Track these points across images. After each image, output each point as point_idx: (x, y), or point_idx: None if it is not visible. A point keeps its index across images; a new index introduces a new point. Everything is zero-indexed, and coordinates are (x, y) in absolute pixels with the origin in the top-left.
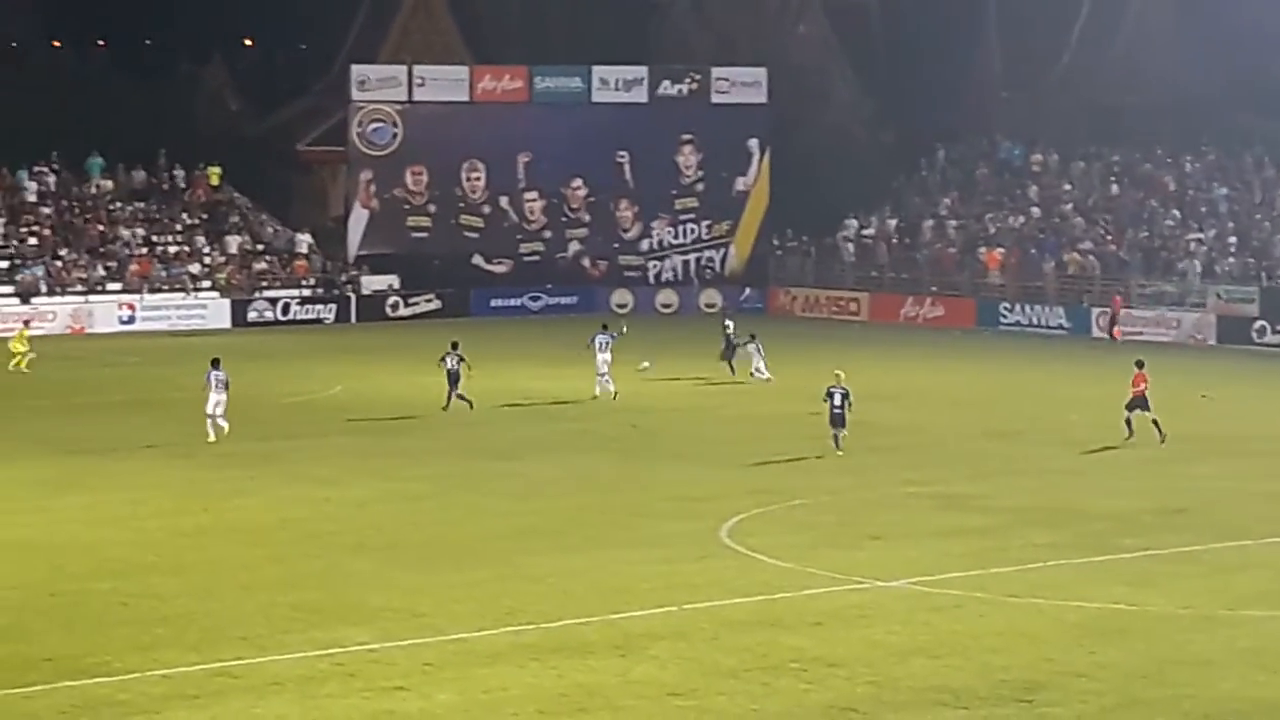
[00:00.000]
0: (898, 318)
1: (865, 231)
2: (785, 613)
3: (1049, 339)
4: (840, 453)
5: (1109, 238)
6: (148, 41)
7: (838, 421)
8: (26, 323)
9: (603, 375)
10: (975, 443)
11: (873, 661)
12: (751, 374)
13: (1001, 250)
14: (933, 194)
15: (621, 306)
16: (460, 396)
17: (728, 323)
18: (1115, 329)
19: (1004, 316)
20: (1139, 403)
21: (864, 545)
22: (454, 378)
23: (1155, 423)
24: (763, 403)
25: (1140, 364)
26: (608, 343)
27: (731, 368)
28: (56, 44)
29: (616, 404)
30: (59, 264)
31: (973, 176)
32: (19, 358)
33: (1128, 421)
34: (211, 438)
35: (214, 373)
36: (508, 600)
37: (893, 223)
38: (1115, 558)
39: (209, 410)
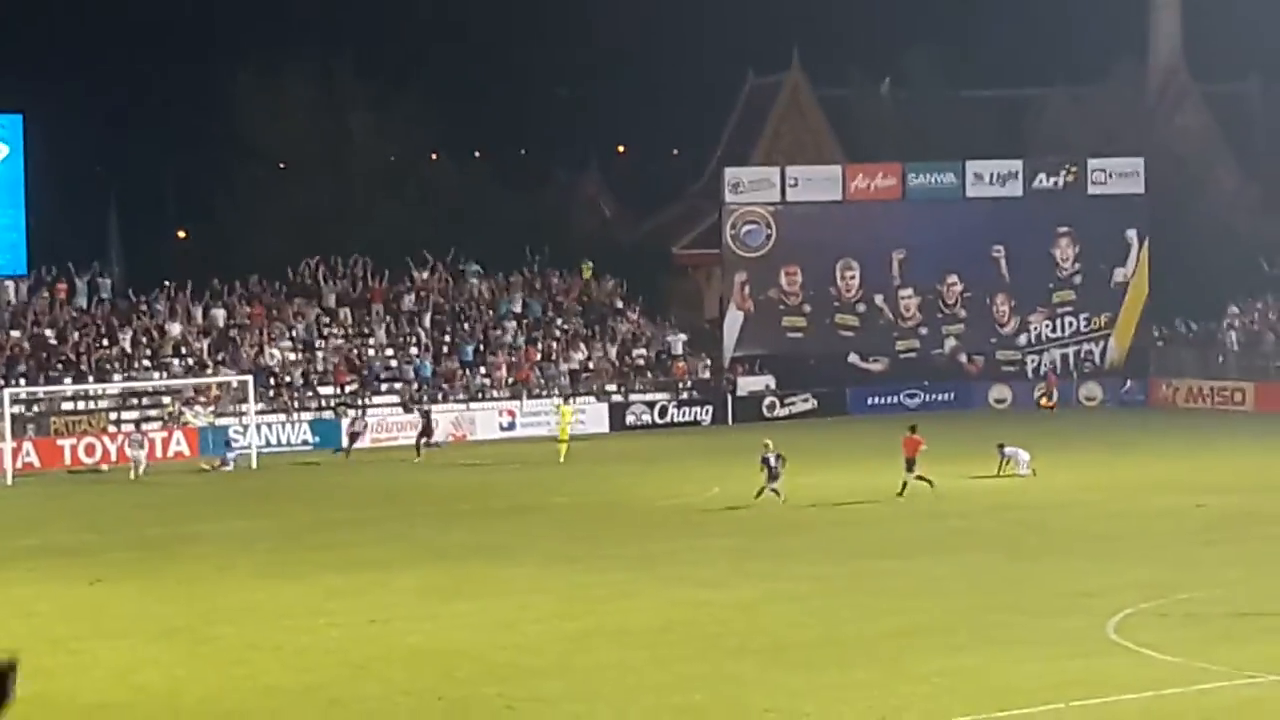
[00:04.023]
0: None
1: (1249, 320)
2: (1176, 709)
3: None
4: (783, 500)
5: None
6: (523, 152)
7: (775, 477)
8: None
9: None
10: None
11: None
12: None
13: None
14: None
15: (1000, 401)
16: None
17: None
18: None
19: None
20: (910, 464)
21: (1257, 639)
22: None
23: (922, 479)
24: (1147, 496)
25: (913, 428)
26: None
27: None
28: (435, 156)
29: (1003, 501)
30: (439, 371)
31: None
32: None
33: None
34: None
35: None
36: (894, 700)
37: (1277, 312)
38: None
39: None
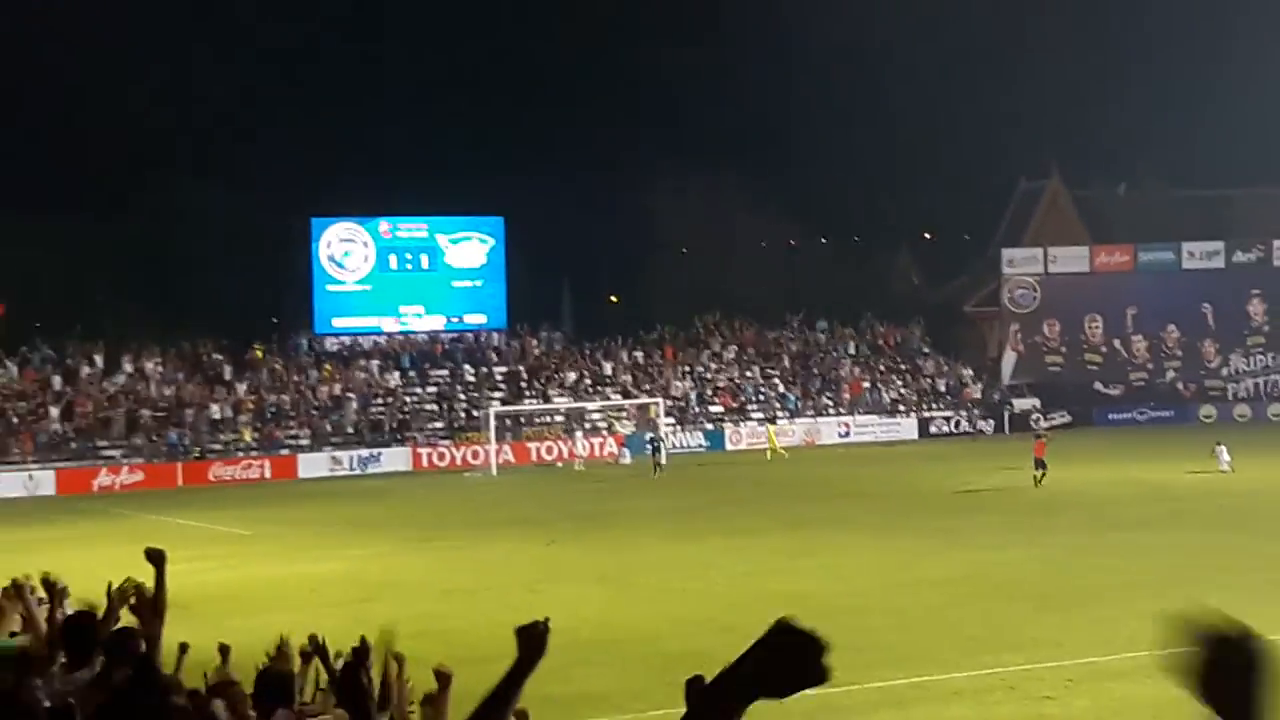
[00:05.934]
0: None
1: None
2: None
3: None
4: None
5: None
6: (856, 238)
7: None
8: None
9: None
10: None
11: None
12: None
13: None
14: None
15: (1207, 417)
16: None
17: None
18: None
19: None
20: (1039, 463)
21: None
22: None
23: (1041, 475)
24: None
25: (1039, 435)
26: None
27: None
28: (793, 242)
29: (1210, 490)
30: (796, 395)
31: None
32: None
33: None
34: None
35: None
36: (1126, 631)
37: None
38: None
39: None
